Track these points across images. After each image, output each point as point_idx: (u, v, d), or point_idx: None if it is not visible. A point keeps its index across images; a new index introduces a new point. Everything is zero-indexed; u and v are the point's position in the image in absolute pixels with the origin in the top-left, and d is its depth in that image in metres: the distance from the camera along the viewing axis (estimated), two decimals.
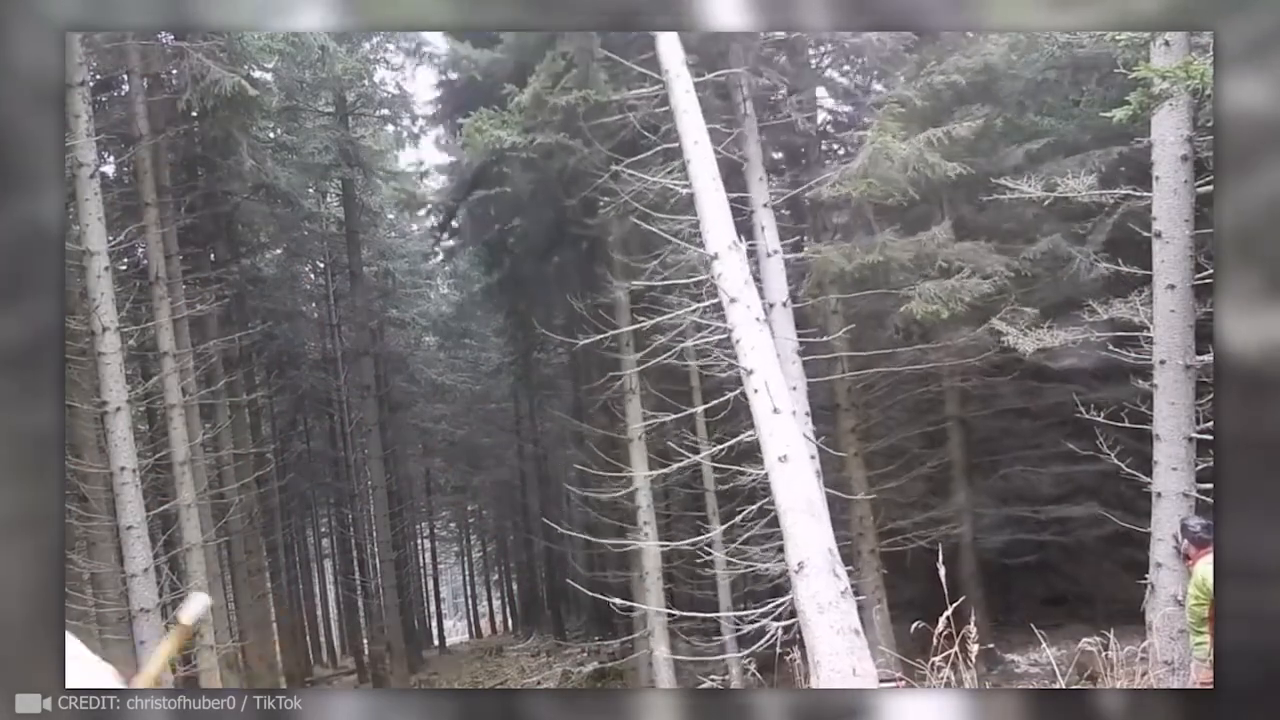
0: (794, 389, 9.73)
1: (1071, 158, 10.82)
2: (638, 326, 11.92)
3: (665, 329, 10.91)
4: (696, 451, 12.00)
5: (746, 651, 8.91)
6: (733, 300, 8.44)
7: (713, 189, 8.87)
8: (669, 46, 9.47)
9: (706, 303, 9.57)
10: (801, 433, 8.50)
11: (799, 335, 11.41)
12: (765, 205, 11.17)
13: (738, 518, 9.98)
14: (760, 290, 9.86)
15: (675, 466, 11.82)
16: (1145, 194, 8.54)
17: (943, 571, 5.41)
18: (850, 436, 13.41)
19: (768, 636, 8.19)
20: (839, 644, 6.77)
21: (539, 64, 10.78)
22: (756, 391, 7.94)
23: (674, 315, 10.38)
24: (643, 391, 13.55)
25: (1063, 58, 11.30)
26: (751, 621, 8.87)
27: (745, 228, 10.89)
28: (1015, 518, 14.23)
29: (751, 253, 10.21)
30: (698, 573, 14.37)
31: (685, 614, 12.44)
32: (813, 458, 9.60)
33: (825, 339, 11.84)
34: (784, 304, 10.93)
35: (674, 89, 9.33)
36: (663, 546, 13.00)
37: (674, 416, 11.79)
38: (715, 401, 10.99)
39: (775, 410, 7.79)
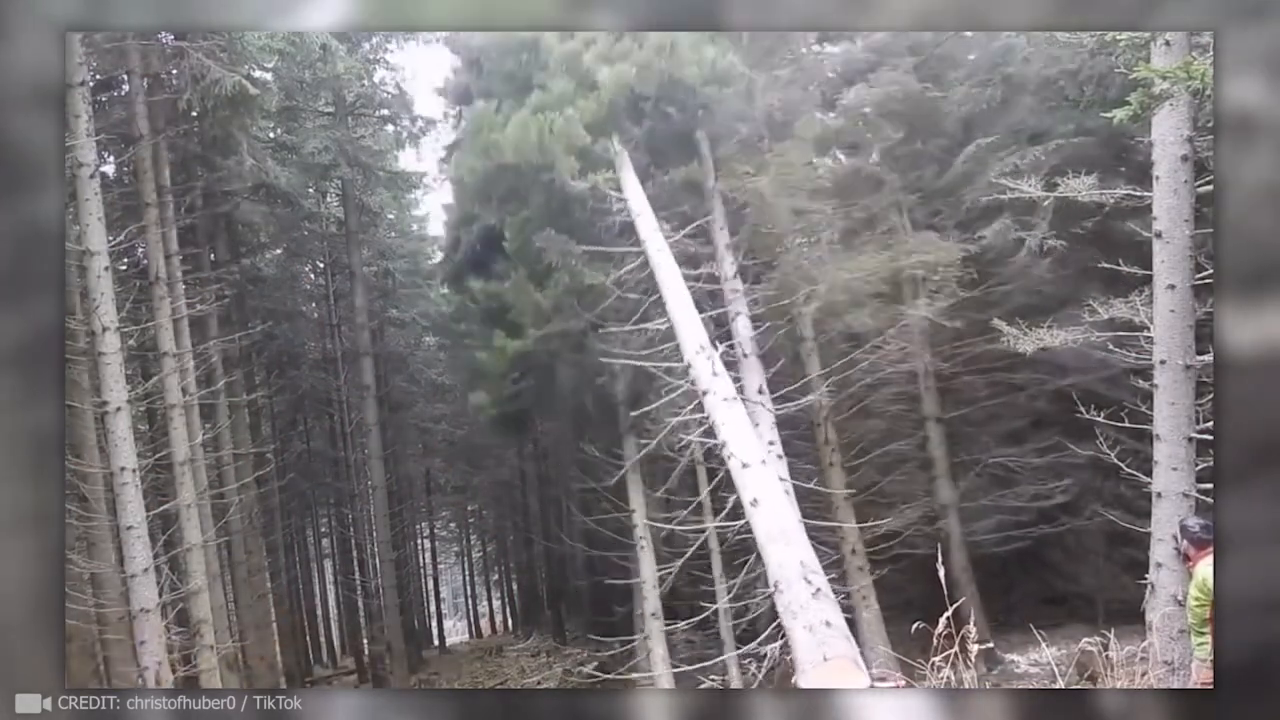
0: (756, 426, 11.00)
1: (1012, 154, 12.02)
2: (645, 452, 13.84)
3: (669, 443, 12.67)
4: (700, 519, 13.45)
5: (761, 674, 9.55)
6: (705, 392, 10.17)
7: (684, 315, 10.84)
8: (644, 222, 11.74)
9: (689, 406, 11.33)
10: (775, 475, 9.66)
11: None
12: (732, 277, 13.04)
13: (742, 573, 11.83)
14: (732, 344, 12.31)
15: (687, 555, 13.31)
16: (1145, 193, 8.54)
17: (942, 572, 5.42)
18: (826, 449, 13.85)
19: (768, 660, 9.27)
20: (810, 638, 7.19)
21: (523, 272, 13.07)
22: (731, 457, 9.29)
23: (668, 429, 12.29)
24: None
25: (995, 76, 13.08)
26: (760, 657, 9.87)
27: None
28: (1000, 506, 14.33)
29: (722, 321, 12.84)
30: (696, 574, 14.37)
31: (689, 665, 13.27)
32: (782, 479, 10.57)
33: (812, 398, 13.19)
34: (744, 355, 12.49)
35: (650, 253, 11.60)
36: (669, 627, 14.11)
37: (683, 514, 13.43)
38: (713, 484, 12.69)
39: (745, 465, 9.04)
